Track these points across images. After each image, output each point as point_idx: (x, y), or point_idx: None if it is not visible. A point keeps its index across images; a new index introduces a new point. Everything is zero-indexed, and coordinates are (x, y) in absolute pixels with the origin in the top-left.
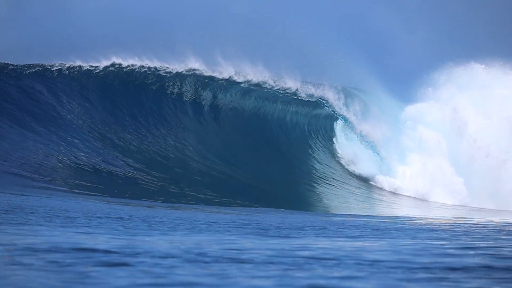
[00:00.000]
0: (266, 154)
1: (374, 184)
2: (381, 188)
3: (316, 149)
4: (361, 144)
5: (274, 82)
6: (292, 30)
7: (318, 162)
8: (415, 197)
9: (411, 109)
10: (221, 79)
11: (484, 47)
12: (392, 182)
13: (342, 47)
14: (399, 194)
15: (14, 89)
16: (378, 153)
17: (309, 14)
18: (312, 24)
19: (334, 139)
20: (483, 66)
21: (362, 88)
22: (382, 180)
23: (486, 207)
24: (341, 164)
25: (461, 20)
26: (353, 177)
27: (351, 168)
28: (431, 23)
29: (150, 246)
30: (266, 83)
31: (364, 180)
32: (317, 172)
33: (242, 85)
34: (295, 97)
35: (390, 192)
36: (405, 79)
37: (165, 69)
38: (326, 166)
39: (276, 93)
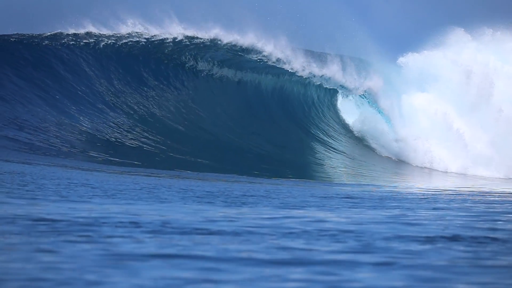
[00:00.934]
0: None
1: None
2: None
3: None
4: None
5: (286, 59)
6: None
7: (320, 129)
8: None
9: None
10: (238, 48)
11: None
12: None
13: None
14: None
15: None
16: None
17: None
18: None
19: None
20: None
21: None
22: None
23: None
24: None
25: None
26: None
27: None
28: None
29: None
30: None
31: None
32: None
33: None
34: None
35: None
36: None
37: (162, 37)
38: (327, 134)
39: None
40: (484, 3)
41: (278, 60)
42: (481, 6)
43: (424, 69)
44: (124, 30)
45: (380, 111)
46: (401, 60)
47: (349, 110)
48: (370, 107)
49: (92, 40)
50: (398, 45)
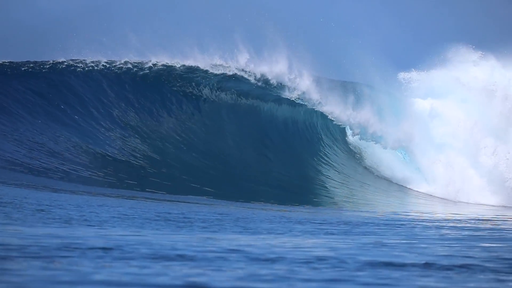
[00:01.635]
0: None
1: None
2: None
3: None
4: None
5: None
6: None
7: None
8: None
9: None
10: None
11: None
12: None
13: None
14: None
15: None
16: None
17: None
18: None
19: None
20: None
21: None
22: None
23: None
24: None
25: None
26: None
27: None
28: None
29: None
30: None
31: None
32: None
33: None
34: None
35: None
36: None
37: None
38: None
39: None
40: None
41: (319, 103)
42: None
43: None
44: (152, 59)
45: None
46: (410, 76)
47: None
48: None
49: (123, 67)
50: (402, 63)
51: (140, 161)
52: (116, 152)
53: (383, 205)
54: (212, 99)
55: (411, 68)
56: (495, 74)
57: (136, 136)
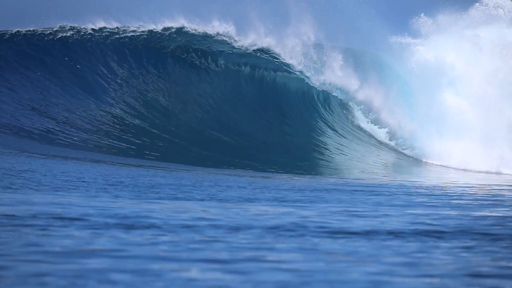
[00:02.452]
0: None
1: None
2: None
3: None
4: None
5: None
6: None
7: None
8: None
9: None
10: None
11: None
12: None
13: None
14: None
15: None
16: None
17: None
18: None
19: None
20: None
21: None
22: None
23: None
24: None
25: None
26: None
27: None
28: None
29: None
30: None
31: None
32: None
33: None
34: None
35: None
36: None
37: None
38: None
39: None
40: None
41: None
42: None
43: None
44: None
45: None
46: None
47: None
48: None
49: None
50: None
51: (156, 131)
52: (138, 122)
53: (381, 174)
54: (229, 71)
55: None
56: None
57: (151, 106)
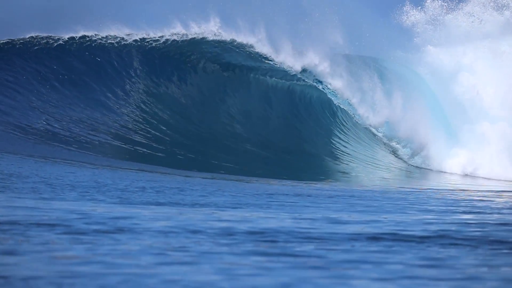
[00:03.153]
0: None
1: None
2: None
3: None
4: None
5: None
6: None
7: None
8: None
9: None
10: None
11: None
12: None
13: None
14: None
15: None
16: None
17: None
18: None
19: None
20: None
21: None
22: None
23: None
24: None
25: None
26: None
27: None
28: None
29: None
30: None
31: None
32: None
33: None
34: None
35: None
36: None
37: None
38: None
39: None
40: None
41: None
42: None
43: None
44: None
45: None
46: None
47: None
48: None
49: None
50: None
51: (170, 133)
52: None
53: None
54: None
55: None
56: None
57: (167, 107)
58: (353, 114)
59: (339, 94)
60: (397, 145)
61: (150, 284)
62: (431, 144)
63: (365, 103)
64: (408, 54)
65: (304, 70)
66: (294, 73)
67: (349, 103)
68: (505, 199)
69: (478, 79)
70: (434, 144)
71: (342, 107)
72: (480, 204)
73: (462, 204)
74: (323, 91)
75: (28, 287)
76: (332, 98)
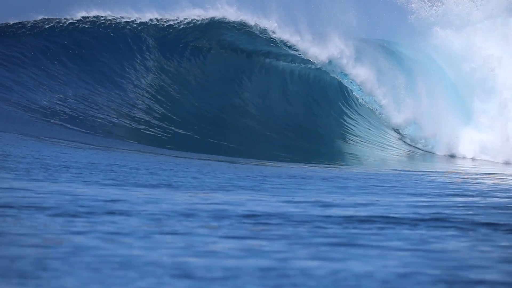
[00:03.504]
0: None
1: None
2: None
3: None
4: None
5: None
6: None
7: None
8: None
9: None
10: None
11: None
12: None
13: None
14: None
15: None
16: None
17: None
18: None
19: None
20: None
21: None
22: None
23: None
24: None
25: None
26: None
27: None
28: None
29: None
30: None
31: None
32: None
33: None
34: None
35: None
36: None
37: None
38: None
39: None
40: None
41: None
42: None
43: None
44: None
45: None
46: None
47: None
48: None
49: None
50: None
51: (188, 116)
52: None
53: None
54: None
55: None
56: None
57: (184, 90)
58: (380, 113)
59: (363, 87)
60: (420, 140)
61: (141, 266)
62: (449, 129)
63: (389, 98)
64: (416, 38)
65: (329, 62)
66: (320, 65)
67: (374, 100)
68: (494, 181)
69: (492, 57)
70: (450, 129)
71: (365, 101)
72: (474, 187)
73: (464, 187)
74: (344, 84)
75: (14, 267)
76: (357, 94)
